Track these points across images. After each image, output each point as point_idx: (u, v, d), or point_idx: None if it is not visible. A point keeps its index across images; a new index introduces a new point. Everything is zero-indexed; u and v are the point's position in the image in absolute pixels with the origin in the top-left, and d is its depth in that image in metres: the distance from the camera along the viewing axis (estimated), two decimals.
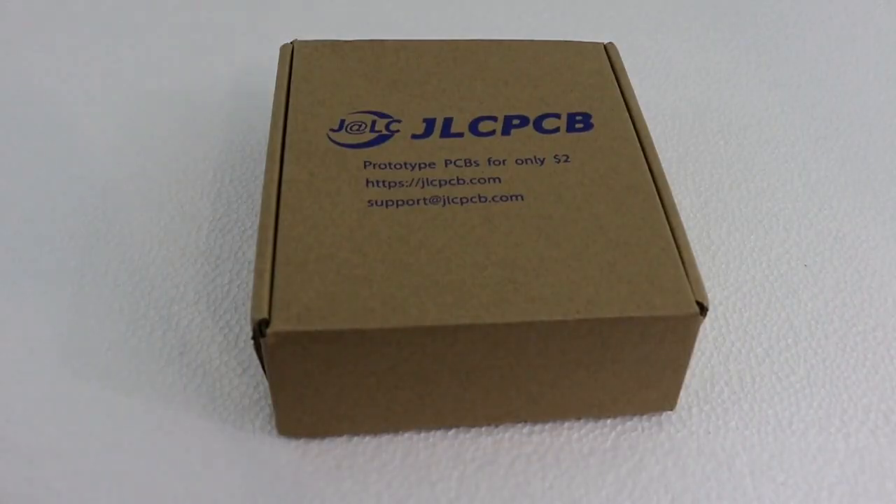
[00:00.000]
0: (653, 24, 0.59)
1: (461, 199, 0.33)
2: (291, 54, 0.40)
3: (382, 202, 0.33)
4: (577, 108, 0.38)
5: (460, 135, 0.36)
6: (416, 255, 0.31)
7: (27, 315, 0.37)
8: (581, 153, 0.36)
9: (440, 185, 0.34)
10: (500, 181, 0.34)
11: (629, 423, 0.34)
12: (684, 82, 0.53)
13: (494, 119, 0.37)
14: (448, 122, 0.37)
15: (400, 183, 0.34)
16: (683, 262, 0.31)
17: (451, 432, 0.34)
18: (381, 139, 0.36)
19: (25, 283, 0.38)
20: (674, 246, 0.32)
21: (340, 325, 0.29)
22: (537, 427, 0.34)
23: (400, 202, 0.33)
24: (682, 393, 0.34)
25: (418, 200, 0.33)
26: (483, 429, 0.34)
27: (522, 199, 0.33)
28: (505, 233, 0.32)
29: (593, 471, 0.33)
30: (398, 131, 0.36)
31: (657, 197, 0.34)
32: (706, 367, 0.36)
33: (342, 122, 0.36)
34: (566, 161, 0.35)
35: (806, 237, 0.43)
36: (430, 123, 0.37)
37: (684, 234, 0.32)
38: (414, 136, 0.36)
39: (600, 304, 0.30)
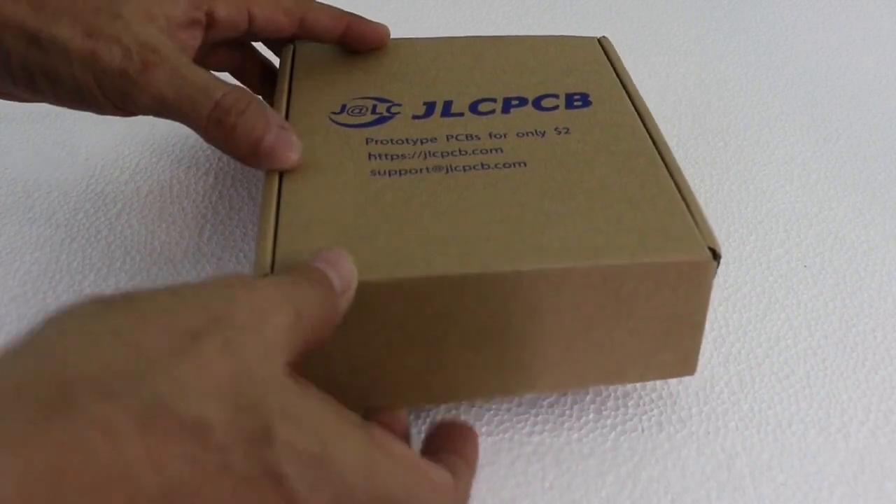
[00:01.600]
0: (652, 26, 0.59)
1: (464, 166, 0.33)
2: (293, 55, 0.40)
3: (385, 172, 0.32)
4: (574, 90, 0.38)
5: (460, 114, 0.36)
6: (420, 215, 0.30)
7: (29, 316, 0.37)
8: (581, 126, 0.35)
9: (442, 157, 0.33)
10: (502, 151, 0.34)
11: (629, 424, 0.34)
12: (684, 83, 0.54)
13: (494, 100, 0.37)
14: (448, 104, 0.37)
15: (402, 156, 0.33)
16: (691, 212, 0.31)
17: None
18: (382, 120, 0.36)
19: (27, 285, 0.38)
20: (680, 198, 0.31)
21: None
22: (537, 427, 0.34)
23: (403, 171, 0.32)
24: (683, 394, 0.34)
25: (421, 170, 0.33)
26: (483, 429, 0.34)
27: (525, 165, 0.33)
28: (510, 193, 0.31)
29: (593, 471, 0.33)
30: (399, 113, 0.36)
31: (660, 158, 0.34)
32: (706, 368, 0.37)
33: (343, 106, 0.36)
34: (566, 133, 0.35)
35: (806, 238, 0.43)
36: (430, 106, 0.36)
37: (689, 189, 0.32)
38: (415, 117, 0.36)
39: (611, 251, 0.29)
